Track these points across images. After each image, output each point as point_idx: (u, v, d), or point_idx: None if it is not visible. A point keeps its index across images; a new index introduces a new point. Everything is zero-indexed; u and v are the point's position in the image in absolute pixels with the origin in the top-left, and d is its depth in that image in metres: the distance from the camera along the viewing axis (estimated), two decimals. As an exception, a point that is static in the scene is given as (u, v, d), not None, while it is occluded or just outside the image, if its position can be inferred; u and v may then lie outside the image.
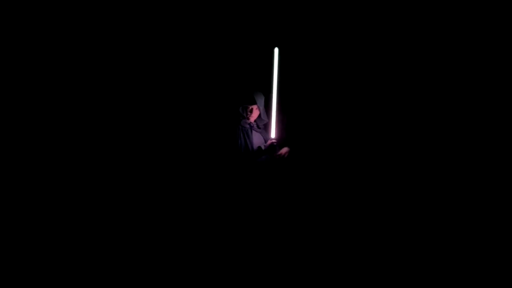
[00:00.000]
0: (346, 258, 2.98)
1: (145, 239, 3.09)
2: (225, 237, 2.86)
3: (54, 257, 2.92)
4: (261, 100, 2.93)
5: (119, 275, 2.76)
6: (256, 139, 2.93)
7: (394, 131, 3.40)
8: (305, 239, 3.13)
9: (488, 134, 3.30)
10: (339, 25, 3.46)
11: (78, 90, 3.38)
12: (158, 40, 3.44)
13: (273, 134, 2.86)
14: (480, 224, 3.15)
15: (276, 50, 2.91)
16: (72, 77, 3.37)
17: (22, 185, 3.21)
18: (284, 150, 2.90)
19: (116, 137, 3.37)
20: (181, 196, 3.26)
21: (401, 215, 3.27)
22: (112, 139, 3.36)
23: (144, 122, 3.41)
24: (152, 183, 3.33)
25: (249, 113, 2.92)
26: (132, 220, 3.20)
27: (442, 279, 2.77)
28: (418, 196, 3.31)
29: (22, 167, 3.24)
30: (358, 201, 3.34)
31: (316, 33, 3.48)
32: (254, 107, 2.92)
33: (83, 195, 3.26)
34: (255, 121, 2.97)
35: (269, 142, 2.86)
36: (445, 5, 3.35)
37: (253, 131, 2.93)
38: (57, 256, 2.92)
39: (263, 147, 2.88)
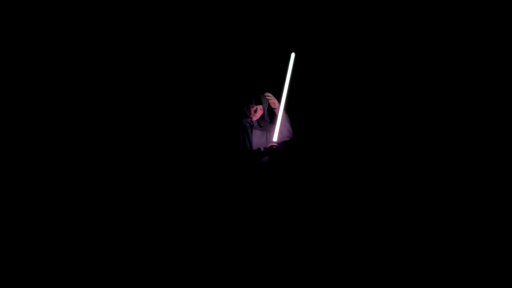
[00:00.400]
0: (346, 258, 2.99)
1: (144, 238, 3.09)
2: (222, 236, 2.89)
3: (54, 257, 2.90)
4: (266, 101, 2.94)
5: (119, 275, 2.75)
6: (257, 138, 2.92)
7: (398, 137, 3.41)
8: (305, 240, 3.16)
9: (488, 134, 3.32)
10: (347, 31, 3.45)
11: (93, 92, 3.40)
12: (169, 40, 3.45)
13: (275, 137, 2.85)
14: (480, 224, 3.17)
15: (292, 55, 2.88)
16: (86, 79, 3.39)
17: (22, 185, 3.21)
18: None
19: (115, 133, 3.39)
20: (180, 193, 3.27)
21: (402, 216, 3.28)
22: (111, 136, 3.38)
23: (146, 119, 3.43)
24: (151, 179, 3.34)
25: (253, 112, 2.92)
26: (131, 219, 3.21)
27: (442, 279, 2.78)
28: (418, 197, 3.32)
29: (22, 167, 3.24)
30: (359, 202, 3.35)
31: (325, 39, 3.47)
32: (259, 107, 2.93)
33: (86, 195, 3.28)
34: (256, 120, 2.96)
35: (269, 145, 2.85)
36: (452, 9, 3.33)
37: (254, 130, 2.93)
38: (57, 256, 2.91)
39: (262, 149, 2.88)
